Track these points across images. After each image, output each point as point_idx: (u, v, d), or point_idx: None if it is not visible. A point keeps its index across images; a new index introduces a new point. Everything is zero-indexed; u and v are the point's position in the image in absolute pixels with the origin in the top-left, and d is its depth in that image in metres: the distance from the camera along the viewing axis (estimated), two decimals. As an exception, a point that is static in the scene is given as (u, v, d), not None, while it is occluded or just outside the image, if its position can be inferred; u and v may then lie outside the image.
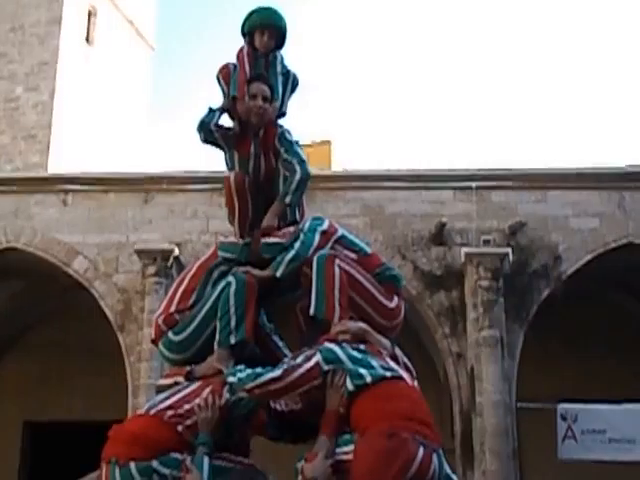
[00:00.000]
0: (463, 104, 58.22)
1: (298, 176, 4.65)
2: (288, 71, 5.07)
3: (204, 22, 62.83)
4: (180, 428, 3.88)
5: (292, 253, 4.34)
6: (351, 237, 4.60)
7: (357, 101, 57.47)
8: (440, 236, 14.05)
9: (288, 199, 4.64)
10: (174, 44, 56.32)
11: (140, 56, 27.43)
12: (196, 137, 4.85)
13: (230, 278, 4.32)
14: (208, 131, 4.77)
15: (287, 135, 4.80)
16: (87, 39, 24.65)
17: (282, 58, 5.09)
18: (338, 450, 3.65)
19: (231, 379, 3.97)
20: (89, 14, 24.83)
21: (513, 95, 57.56)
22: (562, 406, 13.03)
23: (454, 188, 14.40)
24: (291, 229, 4.53)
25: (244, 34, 5.07)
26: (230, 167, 4.86)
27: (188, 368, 4.27)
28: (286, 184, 4.65)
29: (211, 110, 4.77)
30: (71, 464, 9.55)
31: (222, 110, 4.83)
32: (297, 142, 4.82)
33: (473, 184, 14.27)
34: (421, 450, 3.47)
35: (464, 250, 13.64)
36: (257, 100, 4.71)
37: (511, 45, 59.12)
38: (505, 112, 54.95)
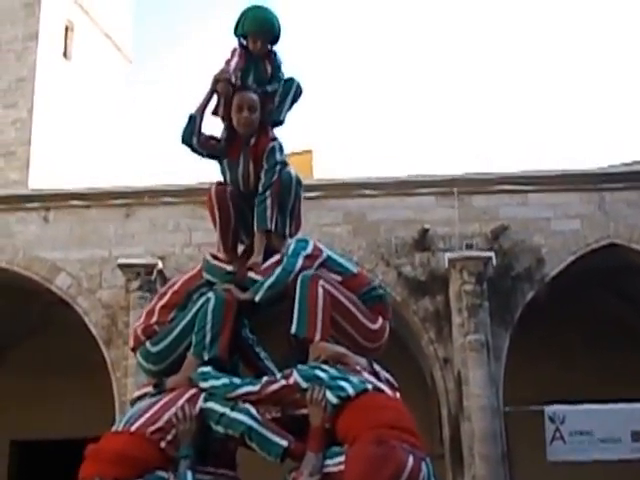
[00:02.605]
0: (442, 110, 58.45)
1: (260, 203, 4.59)
2: (292, 79, 4.94)
3: (181, 34, 62.81)
4: (163, 444, 3.85)
5: (272, 279, 4.31)
6: (337, 258, 4.57)
7: (338, 110, 57.60)
8: (423, 242, 14.09)
9: (258, 226, 4.59)
10: (151, 56, 56.25)
11: (118, 69, 27.37)
12: (179, 148, 4.78)
13: (210, 294, 4.32)
14: (193, 147, 4.70)
15: (276, 153, 4.70)
16: (64, 54, 24.56)
17: (280, 61, 4.93)
18: (328, 462, 3.66)
19: (203, 384, 3.98)
20: (66, 29, 24.74)
21: (491, 99, 57.85)
22: (549, 408, 13.11)
23: (436, 194, 14.45)
24: (276, 258, 4.47)
25: (237, 35, 4.91)
26: (223, 174, 4.80)
27: (156, 380, 4.25)
28: (257, 211, 4.61)
29: (191, 118, 4.66)
30: (59, 483, 9.48)
31: (202, 112, 4.68)
32: (283, 161, 4.74)
33: (454, 189, 14.32)
34: (411, 458, 3.51)
35: (447, 255, 13.69)
36: (243, 112, 4.65)
37: (486, 49, 59.47)
38: (483, 116, 55.23)
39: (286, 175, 4.76)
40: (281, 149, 4.77)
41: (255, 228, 4.61)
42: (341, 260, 4.59)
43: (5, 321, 15.99)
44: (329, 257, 4.53)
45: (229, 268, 4.56)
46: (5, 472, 17.02)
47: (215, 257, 4.69)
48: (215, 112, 4.82)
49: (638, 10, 51.27)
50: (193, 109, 4.70)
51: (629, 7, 54.62)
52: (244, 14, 4.88)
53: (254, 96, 4.69)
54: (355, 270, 4.56)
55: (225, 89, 4.65)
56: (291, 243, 4.57)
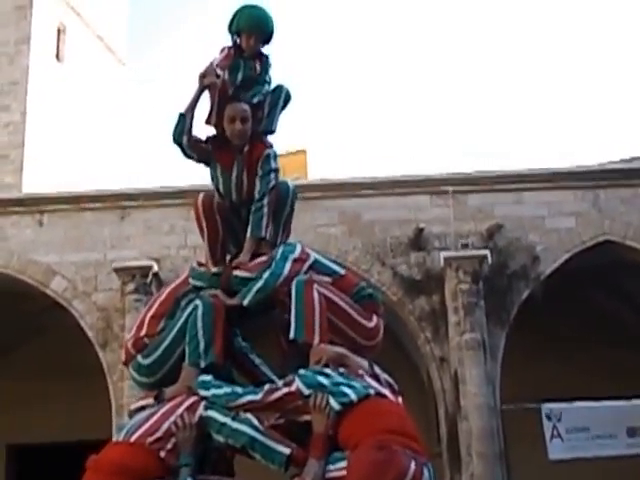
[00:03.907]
0: (436, 108, 58.47)
1: (255, 210, 4.60)
2: (280, 86, 4.96)
3: (175, 36, 62.76)
4: (163, 454, 3.84)
5: (260, 283, 4.31)
6: (324, 261, 4.58)
7: (331, 109, 57.62)
8: (418, 241, 14.10)
9: (251, 232, 4.59)
10: (145, 58, 56.18)
11: (111, 71, 27.32)
12: (173, 150, 4.77)
13: (197, 301, 4.30)
14: (183, 148, 4.71)
15: (271, 161, 4.72)
16: (57, 56, 24.49)
17: (270, 64, 4.97)
18: (330, 467, 3.66)
19: (204, 393, 3.97)
20: (58, 31, 24.67)
21: (485, 97, 57.93)
22: (546, 406, 13.16)
23: (430, 193, 14.46)
24: (264, 258, 4.48)
25: (231, 32, 4.93)
26: (213, 180, 4.80)
27: (157, 391, 4.25)
28: (253, 218, 4.61)
29: (181, 116, 4.67)
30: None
31: (192, 111, 4.67)
32: (277, 169, 4.75)
33: (449, 188, 14.34)
34: (412, 464, 3.51)
35: (443, 254, 13.70)
36: (235, 123, 4.66)
37: (480, 46, 59.51)
38: (477, 114, 55.28)
39: (284, 186, 4.81)
40: (275, 157, 4.79)
41: (248, 234, 4.61)
42: (328, 262, 4.61)
43: (1, 325, 15.94)
44: (316, 260, 4.55)
45: (214, 270, 4.58)
46: (2, 476, 16.98)
47: (202, 265, 4.73)
48: (208, 121, 4.83)
49: (633, 8, 51.38)
50: (184, 108, 4.71)
51: (623, 5, 54.77)
52: (239, 11, 4.91)
53: (246, 106, 4.71)
54: (342, 271, 4.59)
55: (213, 82, 4.67)
56: (279, 247, 4.57)
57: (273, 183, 4.68)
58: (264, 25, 4.91)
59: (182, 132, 4.66)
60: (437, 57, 59.84)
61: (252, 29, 4.85)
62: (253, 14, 4.89)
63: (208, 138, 4.83)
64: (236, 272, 4.45)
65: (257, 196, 4.64)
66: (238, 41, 4.91)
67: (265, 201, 4.62)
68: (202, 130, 4.85)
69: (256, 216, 4.60)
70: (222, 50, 4.91)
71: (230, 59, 4.85)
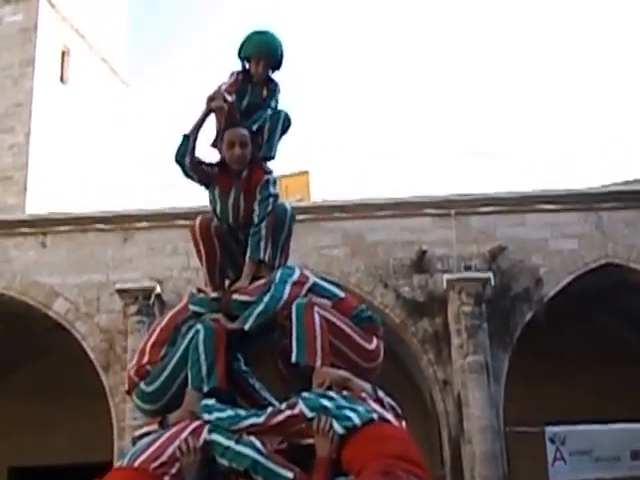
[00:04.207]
0: (438, 130, 58.63)
1: (253, 234, 4.60)
2: (279, 111, 4.96)
3: (177, 57, 63.10)
4: (167, 479, 3.82)
5: (261, 307, 4.28)
6: (323, 283, 4.57)
7: (334, 130, 57.77)
8: (421, 263, 14.09)
9: (250, 255, 4.59)
10: (148, 80, 56.44)
11: (114, 93, 27.45)
12: (175, 171, 4.78)
13: (198, 326, 4.27)
14: (185, 169, 4.71)
15: (270, 186, 4.73)
16: (61, 78, 24.64)
17: (279, 92, 4.99)
18: None
19: (207, 417, 3.94)
20: (62, 54, 24.84)
21: (487, 119, 58.09)
22: (550, 429, 13.08)
23: (433, 215, 14.47)
24: (262, 281, 4.47)
25: (240, 57, 4.96)
26: (211, 203, 4.80)
27: (160, 417, 4.23)
28: (252, 241, 4.61)
29: (185, 137, 4.68)
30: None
31: (197, 132, 4.69)
32: (276, 195, 4.77)
33: (452, 210, 14.34)
34: None
35: (446, 276, 13.68)
36: (234, 148, 4.67)
37: (481, 68, 59.77)
38: (479, 136, 55.40)
39: (282, 208, 4.81)
40: (274, 183, 4.80)
41: (247, 257, 4.60)
42: (327, 285, 4.60)
43: (3, 347, 15.92)
44: (315, 283, 4.53)
45: (214, 295, 4.57)
46: (3, 499, 16.90)
47: (201, 291, 4.72)
48: (214, 145, 4.84)
49: (625, 29, 51.58)
50: (188, 129, 4.72)
51: (614, 27, 54.99)
52: (249, 37, 4.94)
53: (245, 131, 4.71)
54: (342, 294, 4.57)
55: (220, 106, 4.68)
56: (277, 270, 4.56)
57: (271, 207, 4.68)
58: (272, 51, 4.93)
59: (185, 153, 4.67)
60: (439, 78, 60.09)
61: (260, 55, 4.88)
62: (261, 40, 4.92)
63: (213, 163, 4.84)
64: (235, 296, 4.44)
65: (256, 220, 4.64)
66: (247, 67, 4.94)
67: (263, 224, 4.62)
68: (208, 153, 4.87)
69: (254, 239, 4.60)
70: (231, 75, 4.94)
71: (238, 84, 4.87)
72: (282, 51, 4.97)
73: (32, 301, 14.21)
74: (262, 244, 4.61)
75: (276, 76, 5.04)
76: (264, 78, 4.94)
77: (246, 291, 4.45)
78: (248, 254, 4.60)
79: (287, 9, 58.22)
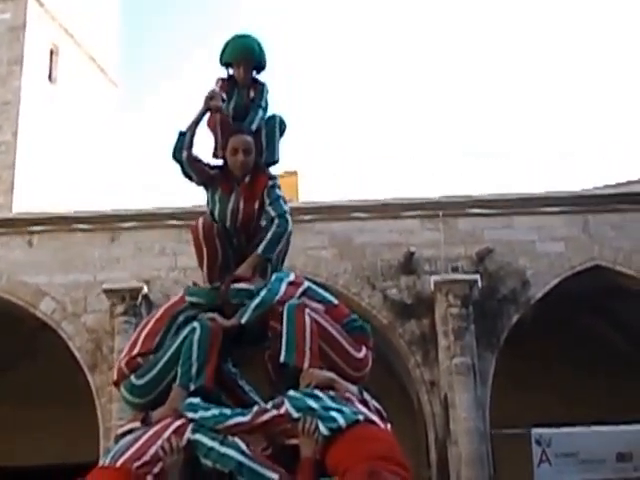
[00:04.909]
0: (426, 131, 58.69)
1: (275, 228, 4.65)
2: (273, 115, 5.02)
3: (167, 57, 62.97)
4: (150, 479, 3.80)
5: (258, 300, 4.33)
6: (317, 289, 4.62)
7: (322, 131, 57.76)
8: (409, 265, 14.11)
9: (263, 251, 4.62)
10: (137, 80, 56.32)
11: (103, 93, 27.37)
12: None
13: (195, 324, 4.29)
14: (183, 165, 4.74)
15: (277, 190, 4.80)
16: (50, 77, 24.55)
17: (267, 92, 5.03)
18: None
19: (191, 415, 3.93)
20: (51, 52, 24.74)
21: (475, 121, 58.16)
22: (536, 431, 13.13)
23: (421, 216, 14.49)
24: (260, 280, 4.53)
25: (222, 64, 5.04)
26: (209, 204, 4.83)
27: (144, 413, 4.21)
28: (265, 237, 4.64)
29: (181, 134, 4.72)
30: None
31: (194, 129, 4.73)
32: (284, 198, 4.82)
33: (439, 212, 14.37)
34: None
35: (433, 278, 13.71)
36: (238, 155, 4.71)
37: (470, 70, 59.86)
38: (467, 137, 55.46)
39: (283, 222, 4.81)
40: (279, 187, 4.86)
41: (259, 250, 4.62)
42: (321, 291, 4.65)
43: (-12, 346, 15.85)
44: (310, 287, 4.59)
45: (213, 285, 4.61)
46: (-12, 499, 16.80)
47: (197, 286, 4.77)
48: (215, 155, 4.90)
49: (621, 35, 51.83)
50: (184, 126, 4.76)
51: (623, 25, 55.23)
52: (227, 43, 5.02)
53: (249, 138, 4.76)
54: (335, 301, 4.61)
55: (218, 105, 4.75)
56: (273, 275, 4.61)
57: (286, 209, 4.75)
58: (250, 54, 5.00)
59: (182, 148, 4.71)
60: (427, 80, 60.19)
61: (239, 59, 4.96)
62: (238, 44, 5.00)
63: (213, 165, 4.88)
64: (235, 285, 4.48)
65: (274, 213, 4.68)
66: (231, 72, 5.01)
67: (288, 218, 4.69)
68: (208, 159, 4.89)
69: (273, 236, 4.64)
70: (217, 82, 5.01)
71: (224, 90, 4.94)
72: (262, 52, 5.04)
73: (18, 301, 14.14)
74: (269, 241, 4.64)
75: (262, 77, 5.08)
76: (249, 81, 5.00)
77: (246, 278, 4.50)
78: (261, 248, 4.62)
79: (281, 9, 58.26)
